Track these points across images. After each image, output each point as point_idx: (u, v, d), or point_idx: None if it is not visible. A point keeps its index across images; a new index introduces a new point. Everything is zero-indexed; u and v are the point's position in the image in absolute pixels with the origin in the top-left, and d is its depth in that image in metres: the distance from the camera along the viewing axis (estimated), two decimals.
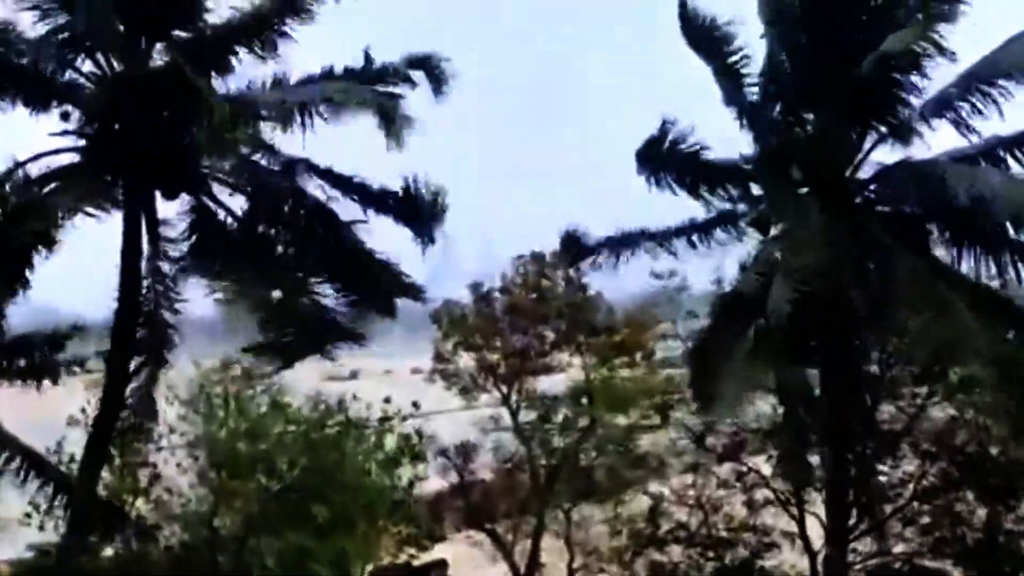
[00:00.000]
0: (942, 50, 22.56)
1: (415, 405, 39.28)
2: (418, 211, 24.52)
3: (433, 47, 23.97)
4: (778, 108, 24.90)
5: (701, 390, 25.32)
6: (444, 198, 24.52)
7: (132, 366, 25.23)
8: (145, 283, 24.83)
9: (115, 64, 23.70)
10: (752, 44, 24.89)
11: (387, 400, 38.10)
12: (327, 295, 24.65)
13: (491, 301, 39.92)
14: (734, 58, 24.83)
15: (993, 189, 21.65)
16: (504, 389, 41.01)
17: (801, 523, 32.93)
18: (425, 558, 39.52)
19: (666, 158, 24.21)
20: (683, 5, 24.53)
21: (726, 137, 24.87)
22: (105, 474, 28.43)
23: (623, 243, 25.79)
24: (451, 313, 40.66)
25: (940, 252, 24.76)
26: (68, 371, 27.70)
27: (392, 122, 21.62)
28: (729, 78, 24.58)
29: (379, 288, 24.76)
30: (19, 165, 22.96)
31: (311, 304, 24.08)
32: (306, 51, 24.79)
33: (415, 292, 25.31)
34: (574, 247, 27.23)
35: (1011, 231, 23.09)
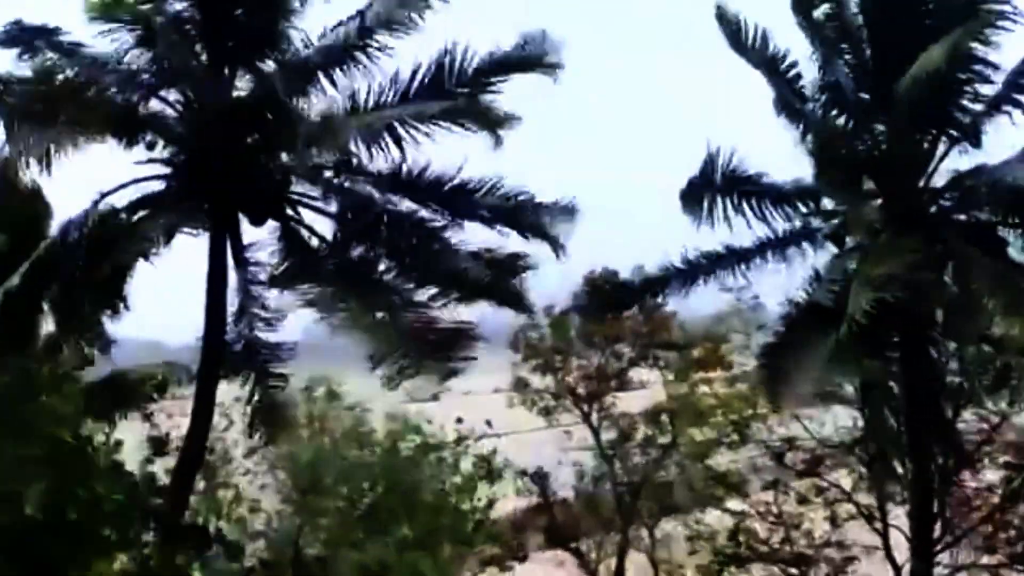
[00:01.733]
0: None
1: (488, 424, 39.30)
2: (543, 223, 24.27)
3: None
4: (843, 119, 24.63)
5: (773, 390, 24.95)
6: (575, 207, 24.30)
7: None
8: (233, 306, 24.82)
9: (199, 93, 23.72)
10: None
11: (459, 420, 38.18)
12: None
13: (566, 322, 39.74)
14: (793, 72, 24.55)
15: None
16: (584, 408, 40.94)
17: (885, 537, 32.51)
18: None
19: (723, 189, 24.01)
20: (730, 23, 24.27)
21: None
22: None
23: (698, 270, 25.51)
24: (528, 337, 40.75)
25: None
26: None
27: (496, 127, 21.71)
28: (789, 92, 24.28)
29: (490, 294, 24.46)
30: (104, 195, 23.04)
31: (420, 320, 23.69)
32: None
33: (519, 303, 25.08)
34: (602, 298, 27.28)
35: None
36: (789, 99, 24.06)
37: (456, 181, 24.23)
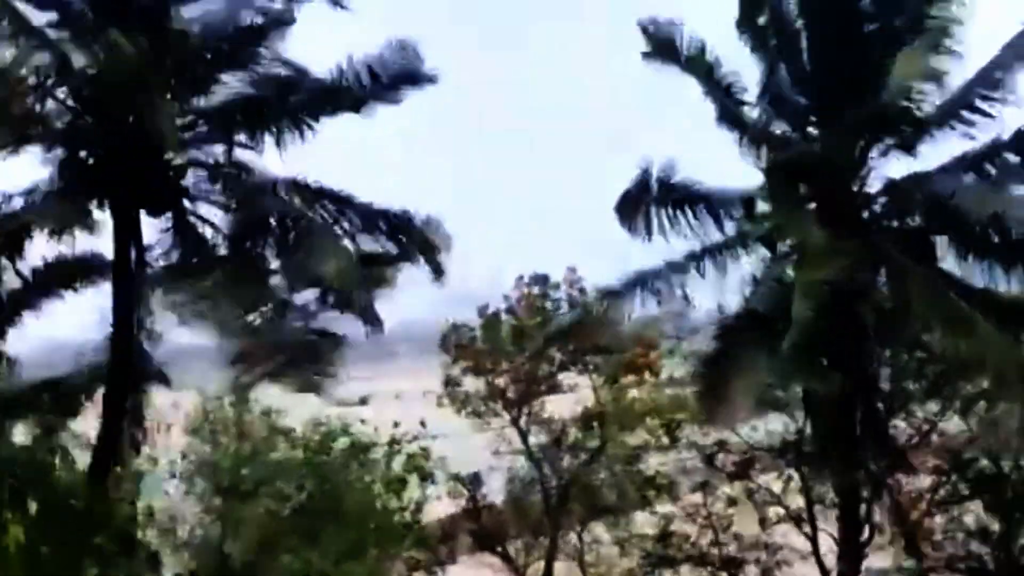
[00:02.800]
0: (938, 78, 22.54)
1: (422, 424, 39.09)
2: (426, 245, 24.19)
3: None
4: (782, 126, 24.66)
5: (711, 405, 24.94)
6: (446, 235, 24.29)
7: None
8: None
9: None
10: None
11: (396, 424, 37.90)
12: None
13: (497, 324, 39.54)
14: (729, 80, 24.58)
15: (1005, 204, 21.53)
16: (514, 412, 40.72)
17: (814, 540, 32.59)
18: None
19: (658, 199, 23.94)
20: (658, 37, 24.26)
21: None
22: None
23: (634, 285, 25.32)
24: (459, 337, 40.48)
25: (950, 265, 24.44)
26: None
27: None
28: (727, 99, 24.29)
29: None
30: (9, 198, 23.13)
31: (299, 327, 23.62)
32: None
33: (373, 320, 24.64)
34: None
35: None
36: (728, 106, 24.09)
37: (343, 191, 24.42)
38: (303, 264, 23.24)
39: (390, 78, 23.58)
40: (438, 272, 24.30)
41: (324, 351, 23.27)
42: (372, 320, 24.14)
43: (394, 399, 40.31)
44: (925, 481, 33.34)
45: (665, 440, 37.66)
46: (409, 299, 25.41)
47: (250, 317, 22.97)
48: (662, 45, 24.34)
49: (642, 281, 24.71)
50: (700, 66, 24.42)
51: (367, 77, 23.59)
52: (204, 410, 32.92)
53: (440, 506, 39.72)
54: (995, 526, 32.35)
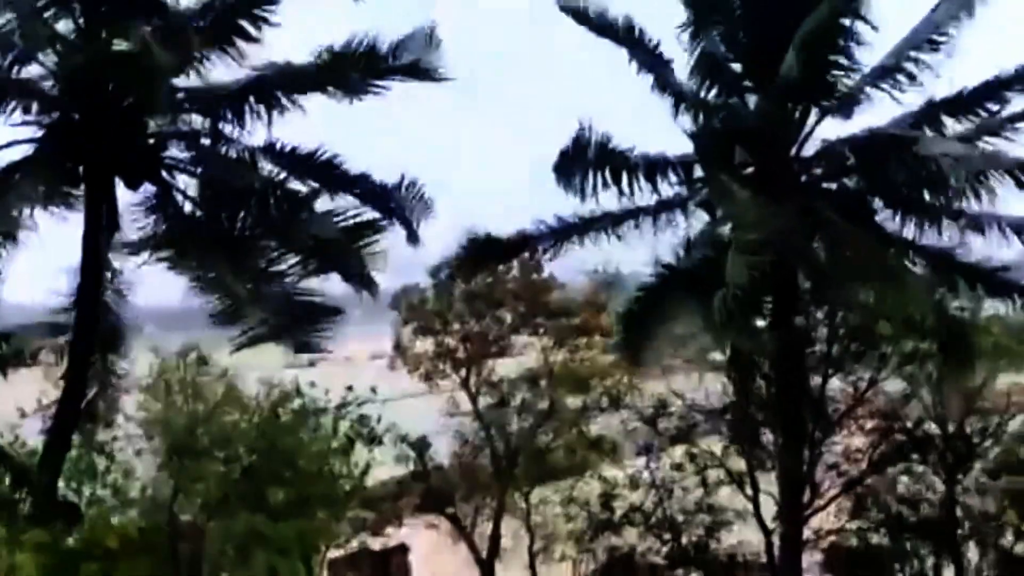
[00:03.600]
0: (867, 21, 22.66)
1: (373, 391, 39.15)
2: (404, 210, 24.09)
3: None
4: (715, 92, 24.80)
5: (634, 350, 25.17)
6: (430, 200, 24.20)
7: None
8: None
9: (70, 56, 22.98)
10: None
11: (349, 388, 38.00)
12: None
13: (449, 286, 39.64)
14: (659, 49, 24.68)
15: (937, 162, 21.69)
16: (463, 373, 40.86)
17: (755, 502, 32.93)
18: (387, 543, 39.44)
19: (595, 162, 23.95)
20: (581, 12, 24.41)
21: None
22: None
23: (569, 232, 25.60)
24: (409, 298, 40.54)
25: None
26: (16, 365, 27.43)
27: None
28: (660, 67, 24.39)
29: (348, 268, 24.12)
30: None
31: (279, 290, 23.61)
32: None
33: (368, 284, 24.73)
34: (477, 252, 27.37)
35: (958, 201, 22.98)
36: (661, 73, 24.20)
37: (325, 155, 24.18)
38: (283, 231, 23.68)
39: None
40: (413, 237, 24.25)
41: (314, 313, 23.49)
42: (367, 284, 24.20)
43: (344, 361, 40.31)
44: (864, 441, 33.76)
45: (609, 403, 38.01)
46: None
47: (233, 281, 22.97)
48: (582, 17, 24.35)
49: (577, 227, 24.82)
50: (629, 38, 24.49)
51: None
52: (160, 370, 33.02)
53: (389, 469, 39.92)
54: (938, 486, 32.91)
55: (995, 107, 23.86)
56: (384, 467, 38.36)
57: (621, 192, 24.10)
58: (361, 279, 24.18)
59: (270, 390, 33.57)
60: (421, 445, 40.44)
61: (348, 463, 34.66)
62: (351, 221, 23.91)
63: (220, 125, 23.81)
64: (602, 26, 24.37)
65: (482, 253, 28.74)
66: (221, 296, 22.88)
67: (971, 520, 32.77)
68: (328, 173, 24.19)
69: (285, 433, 32.54)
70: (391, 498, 39.96)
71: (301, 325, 23.36)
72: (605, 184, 23.78)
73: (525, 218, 26.62)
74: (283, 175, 24.07)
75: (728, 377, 30.82)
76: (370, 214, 24.10)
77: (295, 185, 24.17)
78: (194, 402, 32.55)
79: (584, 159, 23.35)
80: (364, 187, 24.22)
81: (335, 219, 23.83)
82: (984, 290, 24.49)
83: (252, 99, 23.42)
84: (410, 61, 22.93)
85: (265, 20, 23.50)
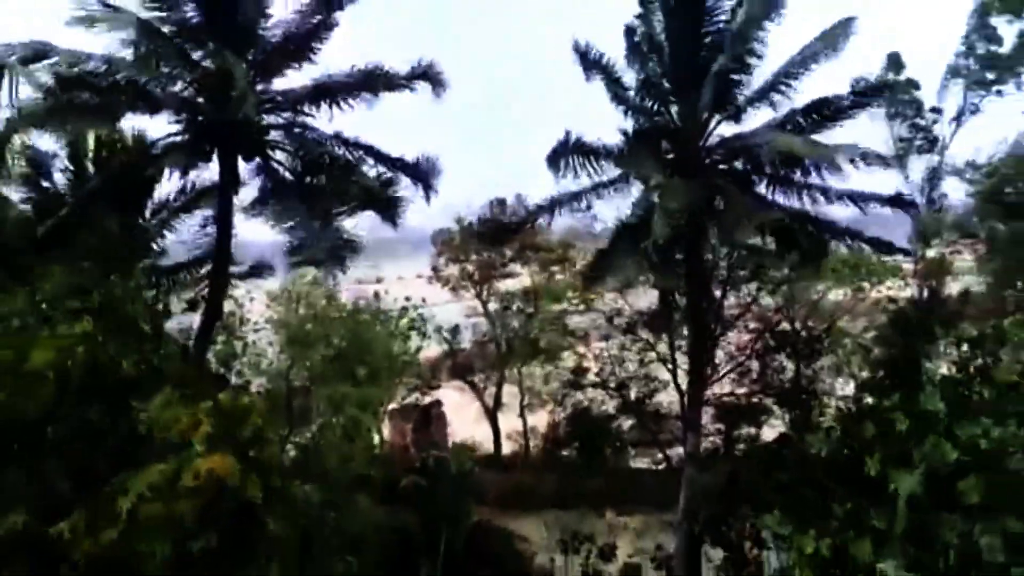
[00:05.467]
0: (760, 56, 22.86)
1: (423, 300, 39.69)
2: (422, 174, 24.48)
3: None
4: (652, 103, 24.56)
5: (593, 278, 25.77)
6: (438, 165, 24.53)
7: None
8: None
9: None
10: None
11: (408, 299, 38.56)
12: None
13: (470, 231, 40.12)
14: (616, 74, 24.66)
15: (792, 150, 22.00)
16: (478, 289, 41.44)
17: (674, 374, 33.39)
18: (426, 400, 40.18)
19: (573, 151, 23.83)
20: (580, 49, 24.43)
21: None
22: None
23: (561, 202, 25.34)
24: (443, 237, 41.05)
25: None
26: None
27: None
28: (616, 87, 24.54)
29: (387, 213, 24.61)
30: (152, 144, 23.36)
31: (336, 230, 23.69)
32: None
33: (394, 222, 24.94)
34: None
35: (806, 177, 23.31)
36: (618, 92, 24.33)
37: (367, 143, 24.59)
38: (342, 189, 24.04)
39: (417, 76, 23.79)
40: (428, 193, 24.58)
41: (355, 247, 23.68)
42: (393, 221, 24.62)
43: (398, 281, 40.71)
44: (748, 337, 34.19)
45: (582, 308, 38.48)
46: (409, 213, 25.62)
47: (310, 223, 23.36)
48: (584, 59, 24.44)
49: (562, 200, 25.10)
50: (603, 68, 24.52)
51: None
52: (284, 286, 33.44)
53: (433, 351, 40.58)
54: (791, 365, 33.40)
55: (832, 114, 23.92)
56: (429, 350, 39.03)
57: (588, 175, 24.23)
58: (391, 219, 24.61)
59: (355, 299, 34.08)
60: (452, 334, 41.03)
61: (406, 347, 35.25)
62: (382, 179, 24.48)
63: (301, 118, 24.13)
64: (590, 62, 24.36)
65: (499, 229, 28.91)
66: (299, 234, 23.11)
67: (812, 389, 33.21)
68: (370, 151, 24.51)
69: (364, 328, 33.08)
70: (432, 370, 40.65)
71: (346, 254, 23.47)
72: (583, 167, 23.91)
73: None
74: (342, 151, 24.34)
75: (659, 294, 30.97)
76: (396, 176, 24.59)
77: (349, 158, 24.42)
78: (305, 307, 33.07)
79: (567, 152, 23.52)
80: (393, 160, 24.57)
81: (374, 179, 24.30)
82: (827, 236, 24.69)
83: (322, 100, 23.82)
84: (422, 74, 23.58)
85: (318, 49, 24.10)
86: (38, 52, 21.06)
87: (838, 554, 19.56)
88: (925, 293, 33.37)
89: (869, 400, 24.84)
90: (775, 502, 22.56)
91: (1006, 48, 30.90)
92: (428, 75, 23.71)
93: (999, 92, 31.66)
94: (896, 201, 24.11)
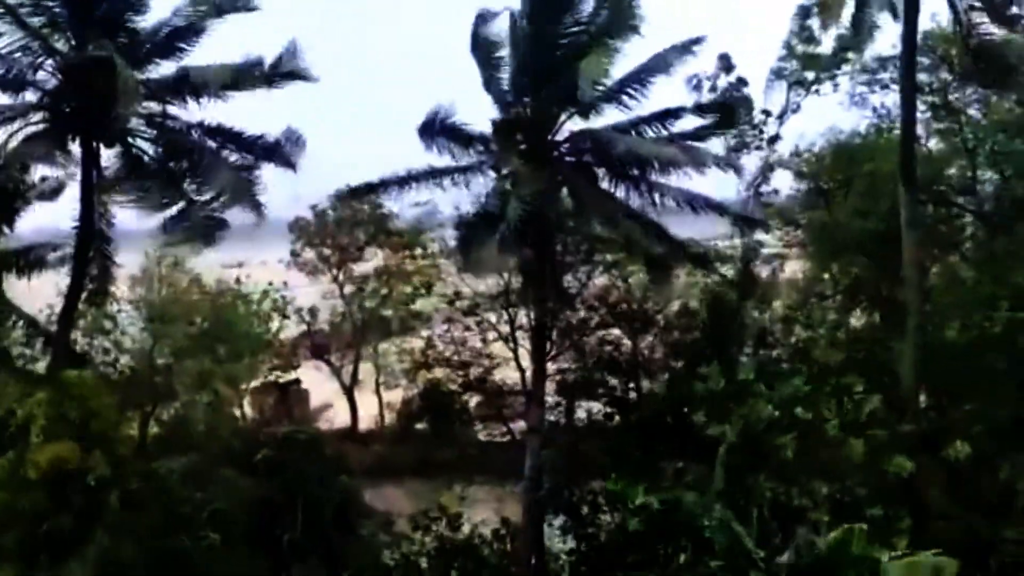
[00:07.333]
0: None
1: (285, 284, 39.20)
2: (284, 153, 24.16)
3: None
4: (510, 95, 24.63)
5: (465, 265, 25.87)
6: (302, 139, 24.25)
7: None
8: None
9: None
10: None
11: (270, 283, 37.96)
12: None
13: (326, 217, 39.75)
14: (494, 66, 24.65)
15: (640, 149, 22.66)
16: (335, 272, 41.09)
17: (516, 352, 33.39)
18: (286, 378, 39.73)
19: (439, 131, 24.06)
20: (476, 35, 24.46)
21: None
22: None
23: (406, 181, 25.11)
24: (300, 224, 40.68)
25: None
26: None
27: None
28: (492, 76, 24.53)
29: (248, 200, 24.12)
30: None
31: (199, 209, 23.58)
32: None
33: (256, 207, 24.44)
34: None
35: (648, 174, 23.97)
36: (489, 78, 24.29)
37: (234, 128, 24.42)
38: (203, 174, 23.63)
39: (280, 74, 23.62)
40: (291, 167, 24.24)
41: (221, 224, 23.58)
42: (255, 207, 24.15)
43: (260, 264, 39.99)
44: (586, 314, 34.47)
45: (425, 291, 38.39)
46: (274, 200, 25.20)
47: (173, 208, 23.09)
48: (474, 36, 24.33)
49: (414, 177, 24.76)
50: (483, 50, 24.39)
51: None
52: (146, 266, 32.42)
53: (292, 332, 40.04)
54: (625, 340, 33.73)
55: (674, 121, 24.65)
56: (289, 331, 38.51)
57: (452, 154, 24.22)
58: (255, 205, 24.17)
59: (217, 281, 33.36)
60: (311, 315, 40.56)
61: (266, 328, 34.72)
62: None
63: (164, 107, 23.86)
64: (476, 39, 24.30)
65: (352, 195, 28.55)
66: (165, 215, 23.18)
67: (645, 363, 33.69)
68: (234, 138, 24.34)
69: (226, 309, 32.46)
70: (292, 349, 40.10)
71: (211, 234, 23.59)
72: (448, 145, 23.89)
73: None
74: (205, 140, 24.16)
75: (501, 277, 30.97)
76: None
77: (212, 145, 24.26)
78: (167, 287, 32.22)
79: (434, 129, 23.46)
80: (255, 144, 24.33)
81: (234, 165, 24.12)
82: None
83: (185, 90, 23.51)
84: (286, 70, 23.46)
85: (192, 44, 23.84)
86: None
87: (667, 507, 20.37)
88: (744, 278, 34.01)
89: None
90: (609, 466, 23.25)
91: (825, 48, 31.66)
92: (294, 73, 23.57)
93: (817, 92, 32.69)
94: (723, 209, 25.18)
